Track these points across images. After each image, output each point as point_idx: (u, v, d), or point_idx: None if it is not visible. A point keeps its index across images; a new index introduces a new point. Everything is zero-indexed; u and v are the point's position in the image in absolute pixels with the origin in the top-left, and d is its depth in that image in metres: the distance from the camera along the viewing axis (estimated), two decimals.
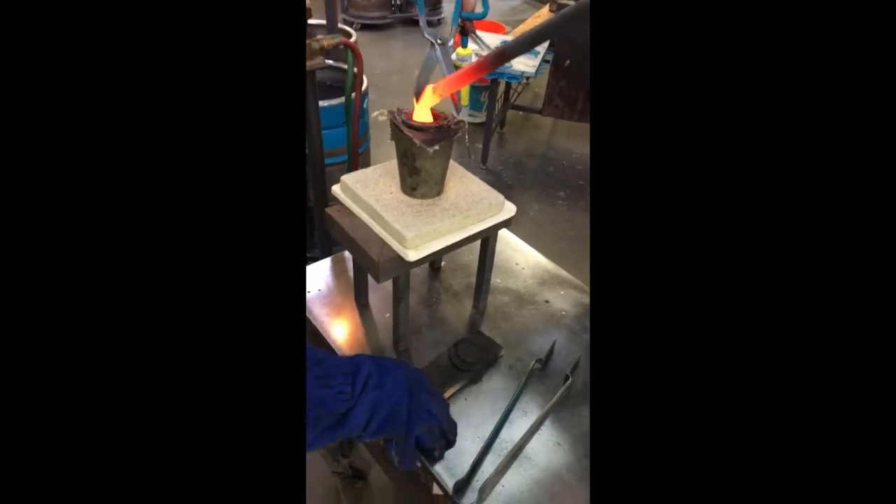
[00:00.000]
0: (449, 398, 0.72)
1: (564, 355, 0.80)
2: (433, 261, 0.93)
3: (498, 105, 2.89)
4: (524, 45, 0.54)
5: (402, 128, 0.66)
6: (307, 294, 0.87)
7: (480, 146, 2.85)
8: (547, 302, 0.89)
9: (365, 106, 1.92)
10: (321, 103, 1.49)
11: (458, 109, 0.71)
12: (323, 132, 1.50)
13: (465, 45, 2.32)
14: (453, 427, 0.67)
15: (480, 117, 3.06)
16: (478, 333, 0.82)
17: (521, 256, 0.98)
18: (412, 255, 0.66)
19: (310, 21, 1.77)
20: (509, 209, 0.75)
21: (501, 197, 0.74)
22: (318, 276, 0.92)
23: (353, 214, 0.73)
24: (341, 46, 1.35)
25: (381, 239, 0.69)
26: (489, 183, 0.75)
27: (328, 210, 0.74)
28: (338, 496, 1.25)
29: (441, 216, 0.68)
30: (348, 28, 2.19)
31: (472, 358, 0.76)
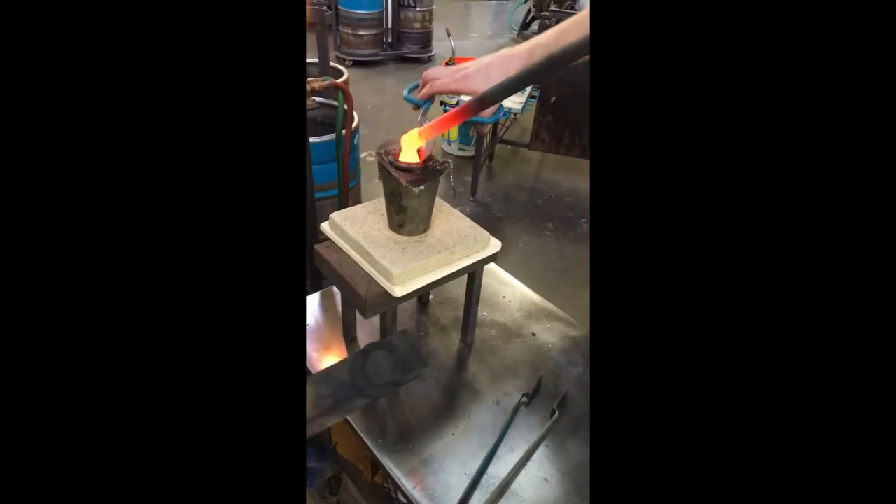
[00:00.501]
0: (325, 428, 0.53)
1: (551, 389, 0.80)
2: (421, 295, 0.94)
3: (487, 139, 2.95)
4: (504, 93, 0.57)
5: (389, 168, 0.68)
6: None
7: (470, 179, 2.90)
8: (534, 335, 0.90)
9: (356, 142, 1.95)
10: (312, 139, 1.52)
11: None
12: (314, 167, 1.53)
13: None
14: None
15: (470, 151, 3.12)
16: (401, 337, 0.66)
17: (508, 290, 1.00)
18: (399, 291, 0.67)
19: None
20: (494, 245, 0.77)
21: (487, 233, 0.76)
22: (307, 310, 0.92)
23: (342, 251, 0.74)
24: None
25: (368, 275, 0.70)
26: (479, 215, 0.78)
27: (316, 247, 0.76)
28: None
29: (427, 253, 0.70)
30: (340, 66, 2.24)
31: (383, 378, 0.57)
